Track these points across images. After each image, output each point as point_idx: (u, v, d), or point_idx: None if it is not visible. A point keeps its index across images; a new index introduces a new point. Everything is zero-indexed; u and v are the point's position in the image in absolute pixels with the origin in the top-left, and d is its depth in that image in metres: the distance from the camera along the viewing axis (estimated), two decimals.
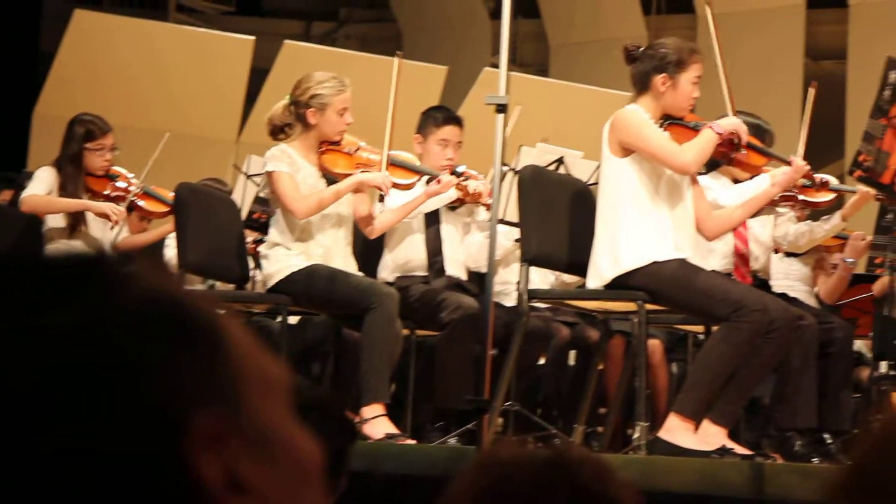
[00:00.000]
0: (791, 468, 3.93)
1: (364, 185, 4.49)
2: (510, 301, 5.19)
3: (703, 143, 3.97)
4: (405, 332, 4.55)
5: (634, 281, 3.94)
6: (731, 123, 4.04)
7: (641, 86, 4.06)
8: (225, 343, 0.69)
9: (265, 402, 0.70)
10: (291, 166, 4.43)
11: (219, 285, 5.48)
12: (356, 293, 4.31)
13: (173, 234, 5.04)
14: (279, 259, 4.46)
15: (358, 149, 4.55)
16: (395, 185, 4.56)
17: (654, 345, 5.67)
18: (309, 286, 4.38)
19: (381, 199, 4.56)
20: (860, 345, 6.83)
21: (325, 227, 4.49)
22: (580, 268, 4.16)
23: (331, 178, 4.53)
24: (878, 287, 6.34)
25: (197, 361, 0.67)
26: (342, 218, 4.54)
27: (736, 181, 4.65)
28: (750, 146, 4.20)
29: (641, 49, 4.08)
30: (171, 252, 5.55)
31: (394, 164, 4.57)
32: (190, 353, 0.67)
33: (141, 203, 5.46)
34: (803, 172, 4.23)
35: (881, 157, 4.59)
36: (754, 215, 4.74)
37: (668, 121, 4.05)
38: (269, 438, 0.69)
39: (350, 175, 4.47)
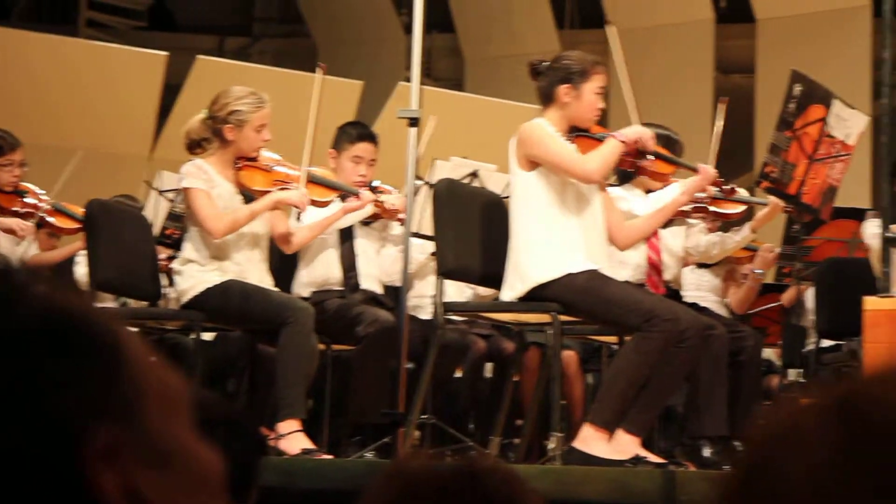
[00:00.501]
0: (702, 476, 3.98)
1: (281, 203, 4.47)
2: (426, 314, 5.20)
3: (607, 152, 4.02)
4: (321, 346, 4.54)
5: (548, 293, 3.98)
6: (636, 131, 4.10)
7: (547, 99, 4.11)
8: (124, 358, 0.69)
9: (164, 417, 0.70)
10: (207, 183, 4.39)
11: (131, 302, 5.42)
12: (271, 308, 4.29)
13: (84, 252, 4.97)
14: (193, 275, 4.42)
15: (276, 165, 4.53)
16: (313, 202, 4.54)
17: (569, 356, 5.72)
18: (223, 302, 4.35)
19: (299, 217, 4.55)
20: (769, 353, 6.96)
21: (240, 245, 4.46)
22: (495, 280, 4.19)
23: (247, 194, 4.51)
24: (787, 297, 6.47)
25: (96, 376, 0.68)
26: (258, 236, 4.52)
27: (649, 192, 4.72)
28: (657, 155, 4.26)
29: (546, 63, 4.12)
30: (81, 269, 5.48)
31: (312, 180, 4.56)
32: (89, 369, 0.67)
33: (51, 219, 5.37)
34: (711, 179, 4.30)
35: (787, 168, 4.68)
36: (666, 225, 4.82)
37: (575, 133, 4.10)
38: (168, 452, 0.69)
39: (267, 192, 4.45)
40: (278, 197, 4.42)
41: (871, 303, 3.16)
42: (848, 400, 0.57)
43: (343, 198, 4.69)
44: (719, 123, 4.37)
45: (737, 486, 0.58)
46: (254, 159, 4.48)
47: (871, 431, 0.55)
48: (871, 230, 5.14)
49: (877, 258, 5.12)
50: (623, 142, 4.03)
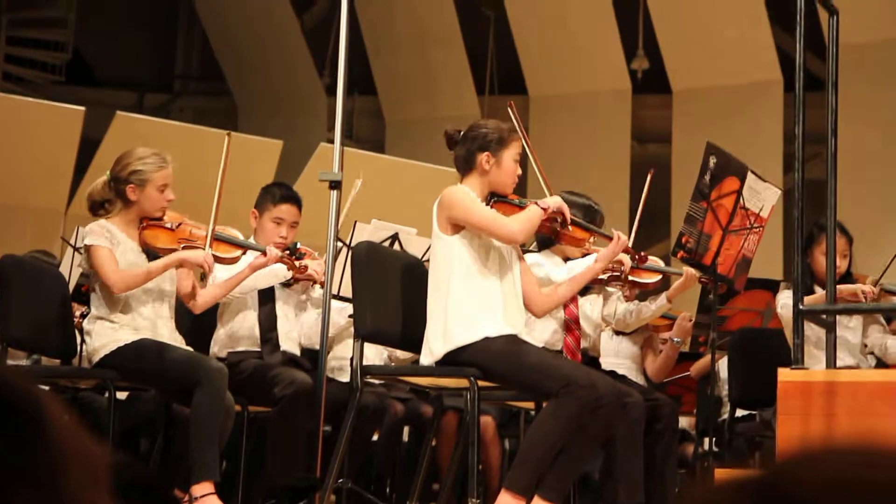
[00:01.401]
0: None
1: (185, 262, 4.44)
2: (345, 377, 5.18)
3: (529, 217, 4.08)
4: (237, 407, 4.49)
5: (466, 356, 3.98)
6: (555, 202, 4.17)
7: (466, 166, 4.15)
8: (45, 424, 0.68)
9: (84, 482, 0.69)
10: (111, 241, 4.37)
11: (44, 360, 5.32)
12: (185, 368, 4.24)
13: None
14: (105, 333, 4.36)
15: (180, 224, 4.51)
16: (219, 260, 4.52)
17: (487, 421, 5.72)
18: (137, 361, 4.29)
19: (203, 278, 4.51)
20: (685, 422, 7.03)
21: (147, 301, 4.42)
22: (414, 343, 4.18)
23: (153, 254, 4.47)
24: (695, 369, 6.54)
25: (16, 443, 0.66)
26: (164, 293, 4.48)
27: (567, 260, 4.76)
28: (574, 222, 4.32)
29: (462, 132, 4.18)
30: None
31: (218, 239, 4.54)
32: (11, 436, 0.66)
33: None
34: (623, 246, 4.36)
35: (702, 238, 4.76)
36: (584, 293, 4.86)
37: (495, 198, 4.14)
38: None
39: (172, 250, 4.43)
40: (181, 256, 4.40)
41: (784, 374, 3.20)
42: (766, 480, 0.58)
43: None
44: (645, 193, 4.44)
45: None
46: (159, 219, 4.47)
47: None
48: (783, 301, 5.24)
49: (788, 329, 5.21)
50: (544, 209, 4.09)
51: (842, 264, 5.22)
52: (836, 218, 3.66)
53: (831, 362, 3.51)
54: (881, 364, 5.61)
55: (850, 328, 5.36)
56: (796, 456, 0.59)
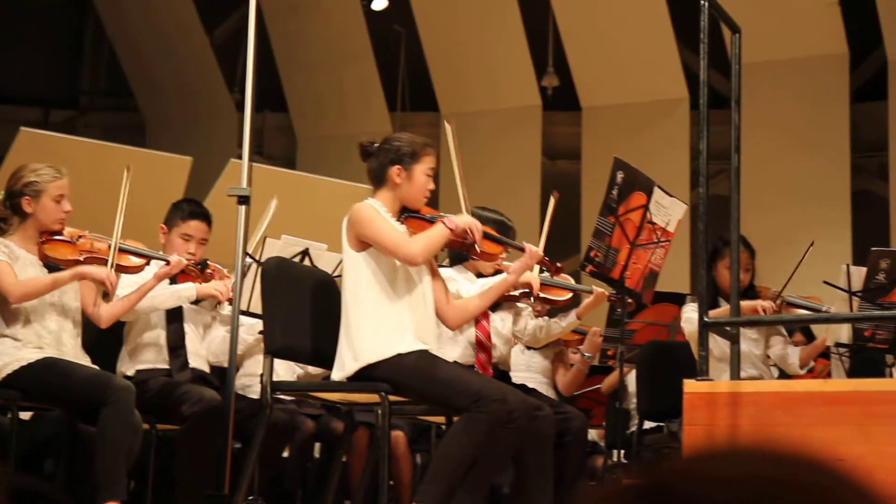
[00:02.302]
0: None
1: (86, 276, 4.39)
2: (255, 393, 5.13)
3: (433, 236, 4.06)
4: (145, 426, 4.43)
5: (378, 372, 3.97)
6: (465, 221, 4.13)
7: (378, 180, 4.15)
8: None
9: None
10: (9, 256, 4.31)
11: None
12: (91, 387, 4.18)
13: None
14: (8, 352, 4.28)
15: (81, 237, 4.45)
16: (124, 269, 4.48)
17: (398, 436, 5.71)
18: (42, 380, 4.22)
19: (105, 296, 4.46)
20: (594, 434, 7.09)
21: (50, 315, 4.36)
22: (325, 359, 4.16)
23: (55, 267, 4.41)
24: (606, 385, 6.61)
25: None
26: (67, 308, 4.41)
27: (480, 276, 4.78)
28: (486, 235, 4.33)
29: (376, 145, 4.17)
30: None
31: (122, 250, 4.50)
32: None
33: None
34: (537, 258, 4.38)
35: (610, 253, 4.82)
36: (495, 309, 4.89)
37: (406, 214, 4.14)
38: None
39: (75, 262, 4.37)
40: (83, 271, 4.35)
41: (689, 386, 3.25)
42: (654, 479, 0.59)
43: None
44: (549, 215, 4.47)
45: None
46: (58, 233, 4.41)
47: None
48: (687, 315, 5.32)
49: (693, 342, 5.30)
50: (451, 229, 4.07)
51: (745, 278, 5.32)
52: (739, 232, 3.73)
53: (735, 373, 3.57)
54: (784, 375, 5.73)
55: (752, 340, 5.47)
56: (684, 458, 0.61)
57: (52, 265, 4.42)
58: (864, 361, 5.55)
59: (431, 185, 4.17)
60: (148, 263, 4.58)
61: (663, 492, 0.58)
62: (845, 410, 3.08)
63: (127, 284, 4.63)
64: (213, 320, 5.06)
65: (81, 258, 4.39)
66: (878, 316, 5.17)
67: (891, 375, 5.45)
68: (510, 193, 10.93)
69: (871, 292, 5.26)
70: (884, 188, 11.11)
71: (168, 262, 4.57)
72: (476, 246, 4.15)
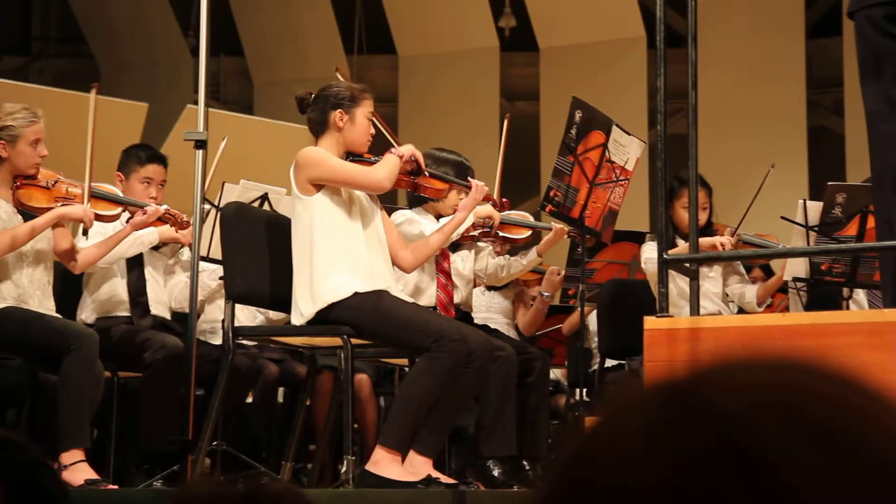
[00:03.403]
0: (492, 495, 4.06)
1: (64, 218, 4.34)
2: (217, 339, 5.13)
3: (388, 163, 4.12)
4: (107, 374, 4.42)
5: (336, 314, 3.98)
6: (408, 148, 4.22)
7: (320, 127, 4.16)
8: None
9: None
10: None
11: None
12: (52, 336, 4.15)
13: None
14: None
15: (56, 181, 4.39)
16: (99, 217, 4.43)
17: (362, 379, 5.73)
18: (1, 330, 4.19)
19: (85, 232, 4.41)
20: (557, 373, 7.15)
21: (21, 265, 4.31)
22: (287, 304, 4.16)
23: (29, 214, 4.36)
24: (567, 326, 6.65)
25: None
26: (41, 254, 4.36)
27: (439, 218, 4.78)
28: (432, 175, 4.37)
29: (313, 94, 4.18)
30: None
31: (96, 196, 4.45)
32: None
33: None
34: (483, 193, 4.42)
35: (570, 192, 4.83)
36: (455, 249, 4.90)
37: (350, 158, 4.16)
38: None
39: (49, 209, 4.31)
40: (60, 212, 4.29)
41: (650, 322, 3.27)
42: (686, 387, 0.60)
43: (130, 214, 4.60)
44: (504, 139, 4.47)
45: (574, 453, 0.60)
46: (33, 177, 4.35)
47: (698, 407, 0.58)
48: (646, 255, 5.36)
49: (653, 279, 5.34)
50: (399, 156, 4.12)
51: (702, 216, 5.35)
52: (697, 170, 3.74)
53: (695, 310, 3.60)
54: (742, 312, 5.78)
55: (710, 278, 5.51)
56: (708, 366, 0.61)
57: (26, 212, 4.36)
58: (821, 295, 5.61)
59: (372, 130, 4.20)
60: (124, 210, 4.54)
61: (688, 399, 0.58)
62: (803, 343, 3.12)
63: (98, 232, 4.59)
64: (175, 266, 5.04)
65: (57, 205, 4.34)
66: (835, 249, 5.22)
67: (847, 308, 5.52)
68: (469, 135, 10.91)
69: (827, 226, 5.31)
70: (839, 124, 11.18)
71: (144, 211, 4.53)
72: (421, 176, 4.20)
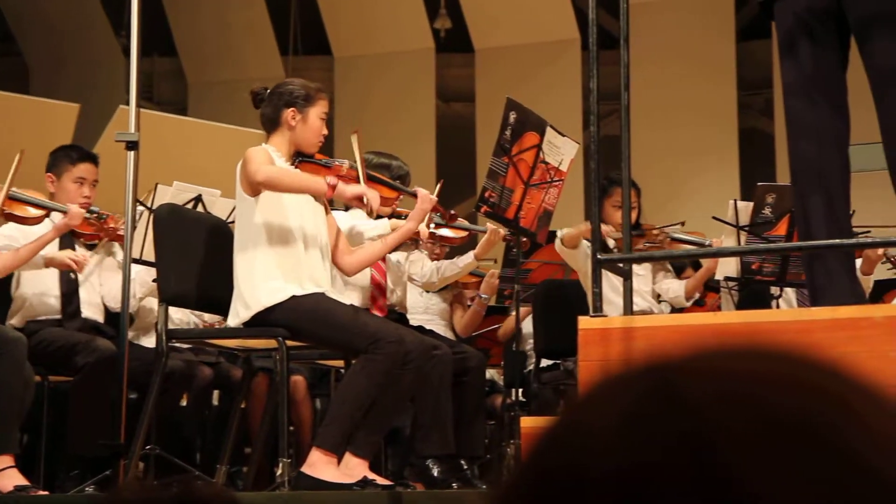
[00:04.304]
0: (429, 495, 4.06)
1: None
2: (151, 342, 5.08)
3: (301, 178, 3.97)
4: (37, 378, 4.36)
5: (274, 317, 3.96)
6: (355, 191, 4.03)
7: (272, 124, 4.12)
8: None
9: None
10: None
11: None
12: None
13: None
14: None
15: None
16: (21, 220, 4.38)
17: (297, 381, 5.71)
18: None
19: None
20: (493, 373, 7.17)
21: None
22: (221, 306, 4.14)
23: None
24: (503, 331, 6.66)
25: None
26: None
27: (378, 218, 4.77)
28: (380, 181, 4.33)
29: (268, 90, 4.14)
30: None
31: (17, 199, 4.39)
32: None
33: None
34: (431, 202, 4.39)
35: (505, 193, 4.84)
36: (392, 250, 4.89)
37: (300, 158, 4.13)
38: None
39: None
40: None
41: (584, 322, 3.29)
42: (664, 377, 0.59)
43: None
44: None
45: (544, 446, 0.60)
46: None
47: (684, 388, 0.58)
48: (582, 252, 5.39)
49: (586, 279, 5.39)
50: (331, 186, 3.98)
51: (631, 216, 5.39)
52: (630, 170, 3.78)
53: (628, 309, 3.63)
54: (676, 310, 5.84)
55: (640, 276, 5.57)
56: (686, 354, 0.61)
57: None
58: (752, 294, 5.68)
59: (325, 130, 4.16)
60: (48, 215, 4.48)
61: (661, 391, 0.58)
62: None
63: (9, 237, 4.52)
64: (112, 265, 4.98)
65: None
66: (765, 249, 5.29)
67: (777, 306, 5.60)
68: (404, 137, 10.91)
69: (757, 226, 5.38)
70: (769, 125, 11.33)
71: (67, 213, 4.48)
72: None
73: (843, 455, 0.55)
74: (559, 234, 5.43)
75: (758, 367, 0.59)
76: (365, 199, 4.00)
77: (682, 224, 5.63)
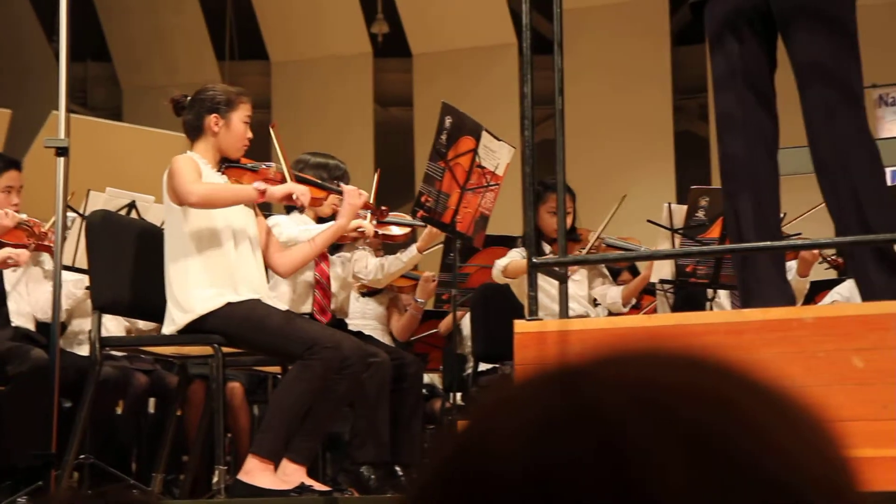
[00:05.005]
0: (365, 501, 4.05)
1: None
2: (85, 350, 5.02)
3: (230, 190, 3.96)
4: None
5: (209, 324, 3.93)
6: (283, 191, 4.02)
7: (195, 132, 4.10)
8: None
9: None
10: None
11: None
12: None
13: None
14: None
15: None
16: None
17: (235, 387, 5.67)
18: None
19: None
20: (433, 378, 7.17)
21: None
22: (156, 313, 4.10)
23: None
24: (444, 326, 6.69)
25: None
26: None
27: (319, 220, 4.75)
28: (309, 182, 4.32)
29: (189, 97, 4.12)
30: None
31: None
32: None
33: None
34: (363, 200, 4.38)
35: (441, 197, 4.85)
36: (333, 252, 4.87)
37: (226, 164, 4.11)
38: None
39: None
40: None
41: (520, 326, 3.30)
42: (570, 382, 0.60)
43: None
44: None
45: (453, 453, 0.60)
46: None
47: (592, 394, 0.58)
48: (500, 260, 5.44)
49: (500, 282, 5.43)
50: (261, 191, 3.96)
51: (566, 221, 5.42)
52: (565, 174, 3.80)
53: (564, 312, 3.65)
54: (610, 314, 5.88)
55: (576, 281, 5.60)
56: (595, 359, 0.61)
57: None
58: (686, 296, 5.74)
59: (249, 134, 4.14)
60: None
61: (571, 399, 0.58)
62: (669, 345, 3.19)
63: None
64: (38, 275, 4.92)
65: None
66: (698, 252, 5.35)
67: (711, 308, 5.66)
68: (343, 141, 10.88)
69: (691, 229, 5.43)
70: (704, 129, 11.45)
71: None
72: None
73: (735, 461, 0.56)
74: (499, 263, 5.47)
75: (663, 374, 0.59)
76: (294, 196, 4.00)
77: (624, 197, 5.66)
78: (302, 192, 4.02)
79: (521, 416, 0.58)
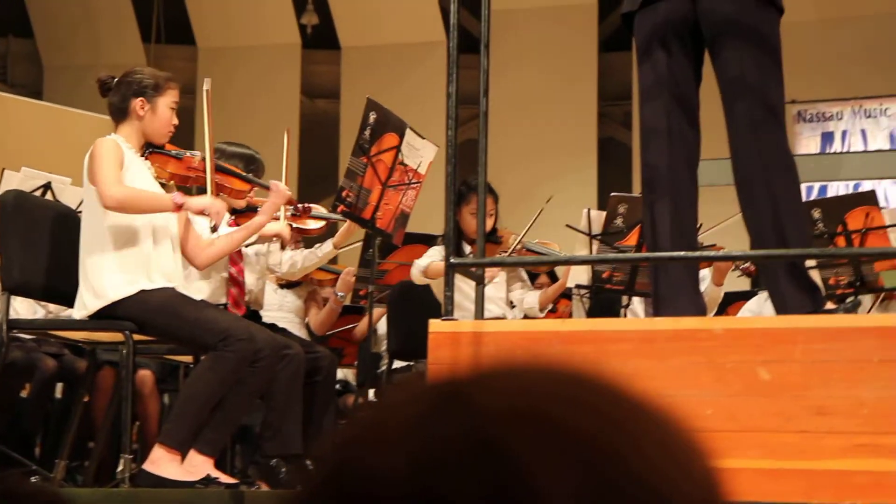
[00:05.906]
0: (271, 495, 4.03)
1: None
2: None
3: (147, 199, 3.92)
4: None
5: (122, 310, 3.88)
6: (202, 204, 3.99)
7: (120, 114, 4.04)
8: None
9: None
10: None
11: None
12: None
13: None
14: None
15: None
16: None
17: (145, 375, 5.61)
18: None
19: None
20: (347, 373, 7.16)
21: None
22: (67, 297, 4.04)
23: None
24: (359, 330, 6.65)
25: None
26: None
27: (232, 212, 4.71)
28: (234, 174, 4.28)
29: (116, 79, 4.06)
30: None
31: None
32: None
33: None
34: (286, 197, 4.36)
35: (362, 193, 4.84)
36: (249, 245, 4.84)
37: (151, 149, 4.05)
38: None
39: None
40: None
41: (434, 325, 3.31)
42: (459, 389, 0.61)
43: None
44: (286, 151, 4.41)
45: (322, 483, 0.61)
46: None
47: (483, 415, 0.59)
48: (420, 260, 5.44)
49: (419, 282, 5.45)
50: (178, 204, 3.92)
51: (488, 222, 5.45)
52: (486, 175, 3.81)
53: (480, 314, 3.66)
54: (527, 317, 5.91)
55: (495, 283, 5.62)
56: (485, 369, 0.63)
57: None
58: (602, 302, 5.79)
59: (175, 120, 4.09)
60: None
61: (452, 396, 0.59)
62: (581, 349, 3.21)
63: None
64: None
65: None
66: (614, 258, 5.40)
67: (625, 315, 5.71)
68: (268, 131, 10.81)
69: (609, 235, 5.48)
70: (627, 136, 11.56)
71: None
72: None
73: (609, 467, 0.58)
74: (418, 263, 5.47)
75: (546, 386, 0.61)
76: (208, 213, 3.97)
77: (549, 199, 5.70)
78: (216, 212, 3.97)
79: (405, 411, 0.60)
